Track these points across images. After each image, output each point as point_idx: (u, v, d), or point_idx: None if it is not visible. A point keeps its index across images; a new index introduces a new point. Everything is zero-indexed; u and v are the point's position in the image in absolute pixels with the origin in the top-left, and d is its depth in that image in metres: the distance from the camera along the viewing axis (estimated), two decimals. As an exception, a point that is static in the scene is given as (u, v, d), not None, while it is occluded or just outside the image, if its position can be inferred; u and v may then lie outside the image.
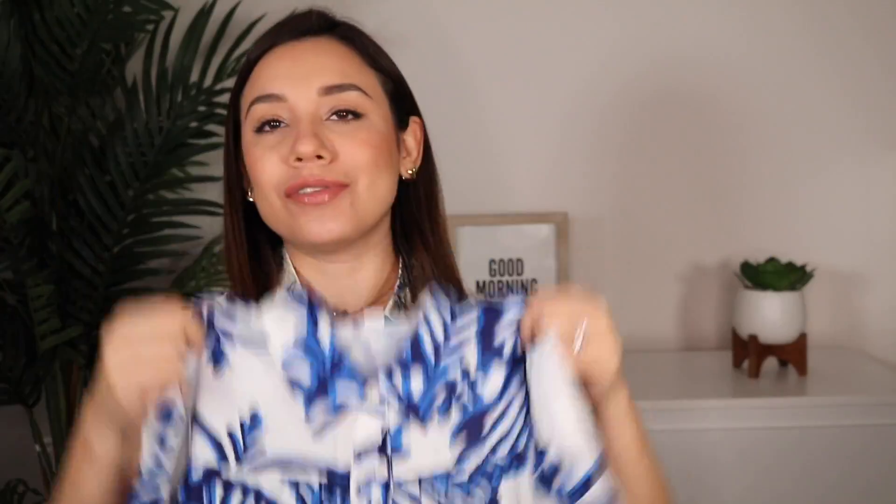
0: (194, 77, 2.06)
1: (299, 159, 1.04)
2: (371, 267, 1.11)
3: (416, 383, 0.95)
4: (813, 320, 2.21)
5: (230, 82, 2.09)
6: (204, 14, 2.06)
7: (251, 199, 1.12)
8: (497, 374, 0.97)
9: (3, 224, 1.83)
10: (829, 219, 2.27)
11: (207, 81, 2.07)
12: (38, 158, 2.00)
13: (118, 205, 2.01)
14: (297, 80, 1.07)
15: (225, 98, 2.05)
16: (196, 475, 0.95)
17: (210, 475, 0.95)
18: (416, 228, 1.14)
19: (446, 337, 0.96)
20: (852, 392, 1.95)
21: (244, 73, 1.11)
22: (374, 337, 0.97)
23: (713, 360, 2.19)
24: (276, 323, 0.96)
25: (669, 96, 2.24)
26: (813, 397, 1.94)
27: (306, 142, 1.03)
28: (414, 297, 1.11)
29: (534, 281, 2.23)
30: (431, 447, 0.95)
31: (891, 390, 1.96)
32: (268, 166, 1.06)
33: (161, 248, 2.08)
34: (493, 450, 0.96)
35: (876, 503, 1.90)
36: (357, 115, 1.07)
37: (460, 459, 0.96)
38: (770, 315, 2.04)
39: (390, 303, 1.10)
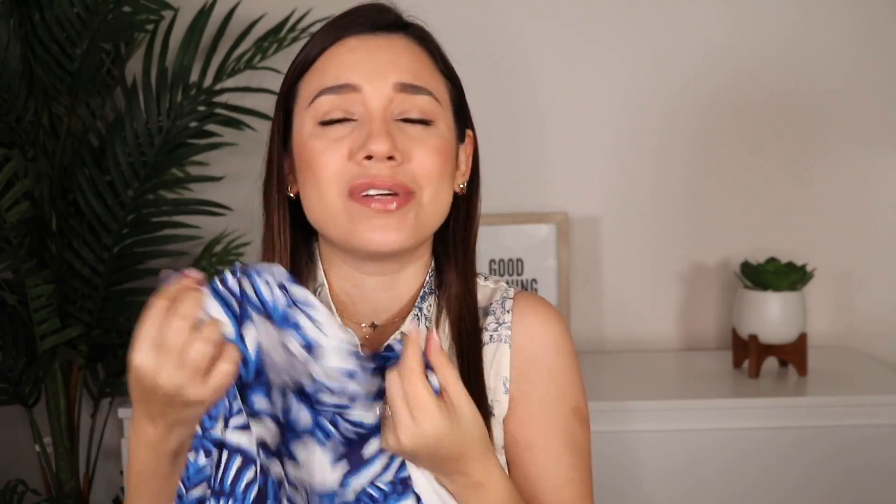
0: (194, 77, 2.06)
1: (369, 157, 0.99)
2: (409, 281, 1.08)
3: (304, 416, 0.95)
4: (813, 320, 2.21)
5: (230, 82, 2.10)
6: (204, 14, 2.06)
7: (292, 196, 1.07)
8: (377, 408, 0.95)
9: (3, 224, 1.83)
10: (829, 219, 2.27)
11: (207, 81, 2.07)
12: (37, 158, 2.00)
13: (118, 205, 2.01)
14: (372, 72, 1.01)
15: (225, 98, 2.06)
16: None
17: None
18: (451, 243, 1.10)
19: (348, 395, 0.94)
20: (852, 392, 1.95)
21: (305, 62, 1.05)
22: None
23: (713, 360, 2.19)
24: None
25: (669, 97, 2.24)
26: (813, 397, 1.93)
27: (381, 140, 0.98)
28: (438, 312, 1.09)
29: (534, 281, 2.23)
30: (318, 465, 0.95)
31: (891, 390, 1.96)
32: (332, 161, 1.00)
33: (161, 248, 2.08)
34: (379, 475, 0.95)
35: (876, 503, 1.90)
36: (426, 123, 1.03)
37: (343, 483, 0.95)
38: (770, 315, 2.04)
39: (409, 316, 1.07)
